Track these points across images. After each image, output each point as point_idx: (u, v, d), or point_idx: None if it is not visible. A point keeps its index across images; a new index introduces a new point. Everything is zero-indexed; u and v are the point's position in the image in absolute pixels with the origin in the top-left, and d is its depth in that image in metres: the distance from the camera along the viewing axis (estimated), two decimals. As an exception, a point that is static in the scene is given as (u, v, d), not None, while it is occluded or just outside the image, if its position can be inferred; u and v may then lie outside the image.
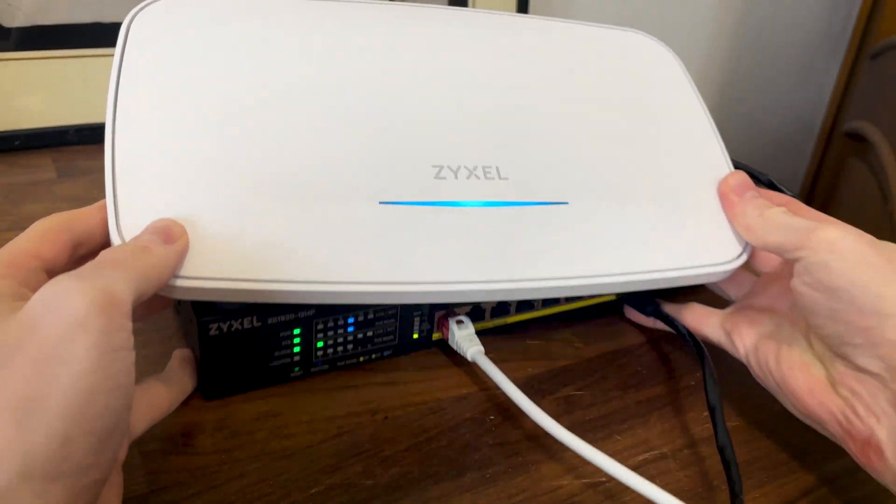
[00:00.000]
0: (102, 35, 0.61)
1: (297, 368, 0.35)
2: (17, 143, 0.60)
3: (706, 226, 0.36)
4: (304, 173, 0.30)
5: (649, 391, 0.37)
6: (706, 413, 0.33)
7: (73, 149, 0.61)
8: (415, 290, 0.30)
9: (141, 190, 0.28)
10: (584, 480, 0.31)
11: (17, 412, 0.19)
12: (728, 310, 0.36)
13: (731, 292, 0.39)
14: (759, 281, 0.37)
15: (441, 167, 0.32)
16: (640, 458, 0.32)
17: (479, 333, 0.37)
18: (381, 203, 0.31)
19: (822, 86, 1.23)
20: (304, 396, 0.34)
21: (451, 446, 0.32)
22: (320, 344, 0.35)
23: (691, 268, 0.34)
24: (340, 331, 0.35)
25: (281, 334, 0.33)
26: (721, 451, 0.31)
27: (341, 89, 0.33)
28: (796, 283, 0.30)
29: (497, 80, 0.37)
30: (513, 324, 0.40)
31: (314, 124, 0.32)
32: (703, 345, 0.36)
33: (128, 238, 0.26)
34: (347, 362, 0.36)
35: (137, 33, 0.32)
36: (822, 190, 1.23)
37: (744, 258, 0.36)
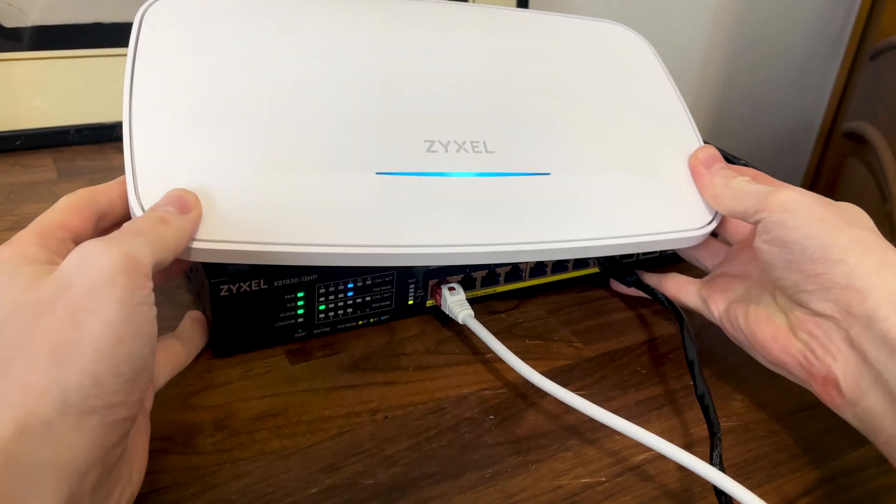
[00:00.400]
0: (103, 36, 0.61)
1: (300, 330, 0.37)
2: (17, 142, 0.60)
3: (678, 196, 0.39)
4: (308, 147, 0.33)
5: (649, 391, 0.37)
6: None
7: (74, 149, 0.61)
8: (408, 253, 0.32)
9: (156, 163, 0.30)
10: (583, 480, 0.31)
11: (55, 355, 0.21)
12: (704, 279, 0.39)
13: (707, 263, 0.41)
14: (732, 250, 0.40)
15: (433, 142, 0.35)
16: (641, 457, 0.32)
17: (472, 302, 0.39)
18: (377, 173, 0.33)
19: (821, 86, 1.23)
20: (304, 396, 0.34)
21: (451, 446, 0.32)
22: (322, 307, 0.37)
23: (664, 233, 0.37)
24: (341, 295, 0.37)
25: (286, 296, 0.35)
26: (700, 398, 0.34)
27: (343, 72, 0.36)
28: (757, 241, 0.33)
29: (485, 65, 0.40)
30: (502, 293, 0.42)
31: (317, 103, 0.34)
32: (680, 310, 0.39)
33: (146, 206, 0.29)
34: (347, 325, 0.38)
35: (150, 22, 0.35)
36: (822, 190, 1.22)
37: (713, 226, 0.38)
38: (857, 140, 1.08)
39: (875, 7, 1.12)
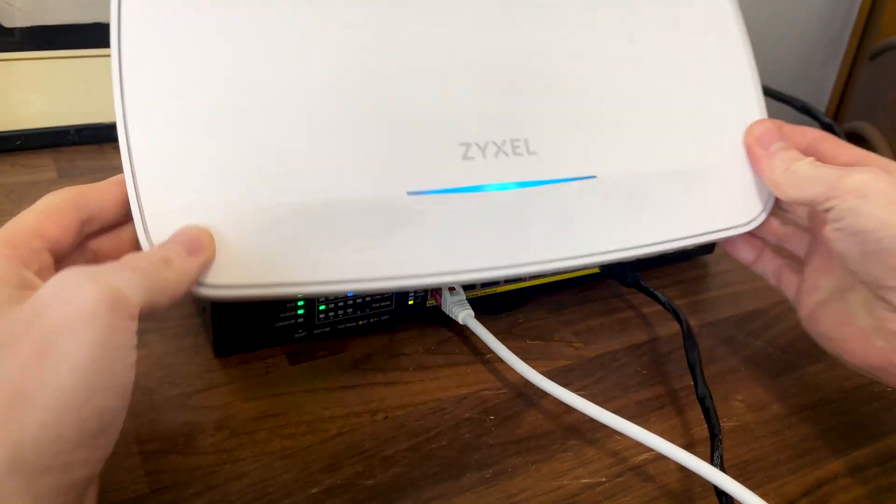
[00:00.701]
0: (103, 35, 0.61)
1: (300, 330, 0.37)
2: (17, 143, 0.60)
3: (730, 186, 0.35)
4: (329, 167, 0.29)
5: (649, 391, 0.37)
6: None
7: (74, 149, 0.61)
8: (448, 280, 0.30)
9: (165, 193, 0.27)
10: (583, 481, 0.31)
11: (14, 401, 0.19)
12: (801, 276, 0.35)
13: (796, 251, 0.37)
14: (812, 238, 0.35)
15: (469, 145, 0.31)
16: (641, 457, 0.32)
17: (472, 302, 0.39)
18: (408, 194, 0.30)
19: (821, 86, 1.23)
20: (304, 396, 0.34)
21: (451, 446, 0.32)
22: (322, 307, 0.36)
23: (712, 232, 0.35)
24: (341, 295, 0.36)
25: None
26: (701, 400, 0.33)
27: (360, 71, 0.31)
28: (828, 230, 0.30)
29: (521, 35, 0.34)
30: (502, 293, 0.42)
31: (334, 111, 0.30)
32: (680, 312, 0.38)
33: (156, 242, 0.26)
34: (347, 325, 0.38)
35: (131, 14, 0.29)
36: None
37: (764, 216, 0.35)
38: (858, 140, 1.08)
39: (875, 7, 1.12)
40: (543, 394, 0.34)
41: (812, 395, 0.37)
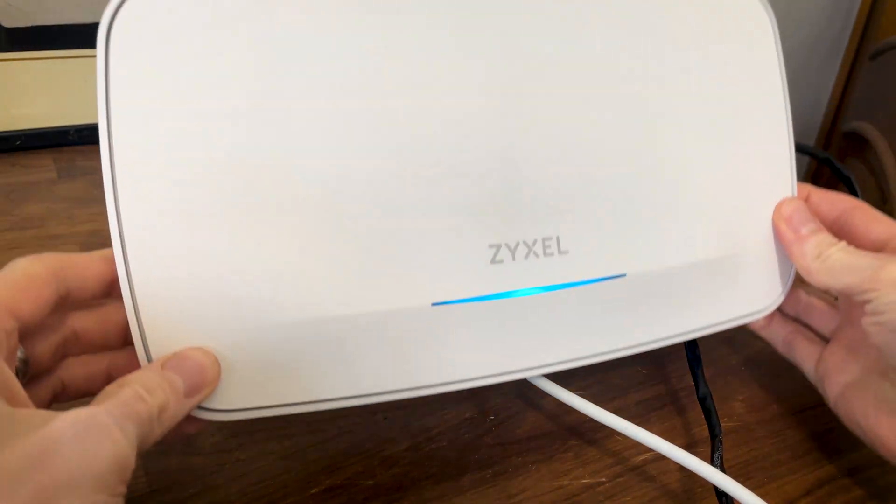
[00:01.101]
0: (102, 35, 0.61)
1: None
2: (17, 143, 0.60)
3: (755, 269, 0.33)
4: (348, 279, 0.26)
5: (649, 391, 0.37)
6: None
7: (74, 149, 0.61)
8: (467, 386, 0.29)
9: (168, 312, 0.25)
10: (584, 481, 0.31)
11: None
12: (824, 350, 0.34)
13: (822, 329, 0.35)
14: (843, 312, 0.34)
15: (498, 247, 0.28)
16: (641, 457, 0.32)
17: None
18: (434, 304, 0.28)
19: (821, 86, 1.23)
20: (304, 396, 0.34)
21: (451, 446, 0.32)
22: None
23: (734, 319, 0.33)
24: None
25: None
26: (702, 401, 0.33)
27: (382, 170, 0.27)
28: (867, 322, 0.28)
29: (551, 123, 0.30)
30: None
31: (357, 216, 0.27)
32: None
33: (155, 357, 0.24)
34: None
35: (120, 47, 0.26)
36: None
37: (783, 297, 0.34)
38: (857, 140, 1.08)
39: (875, 7, 1.12)
40: (543, 394, 0.33)
41: (812, 395, 0.37)
